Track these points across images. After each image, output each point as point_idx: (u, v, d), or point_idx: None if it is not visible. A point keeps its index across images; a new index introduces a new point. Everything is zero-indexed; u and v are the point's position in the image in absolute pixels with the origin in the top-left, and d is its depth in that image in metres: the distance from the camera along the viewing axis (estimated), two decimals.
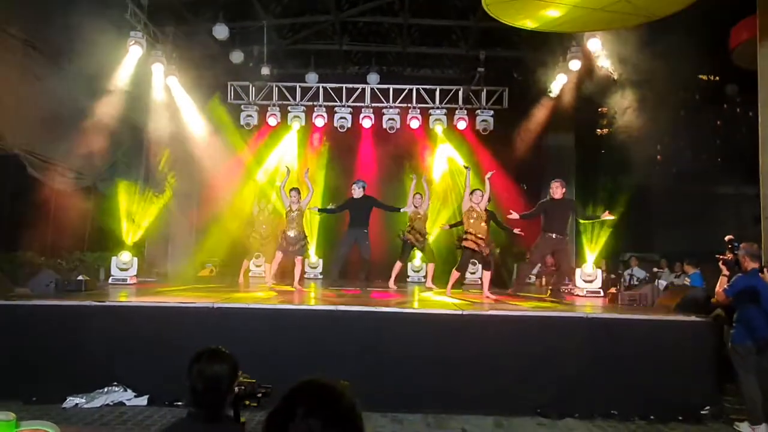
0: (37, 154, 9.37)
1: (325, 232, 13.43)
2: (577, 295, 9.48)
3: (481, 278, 9.85)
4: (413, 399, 5.97)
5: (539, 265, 12.33)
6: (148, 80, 10.77)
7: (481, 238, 8.06)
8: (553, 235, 8.43)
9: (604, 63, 10.05)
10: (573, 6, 6.47)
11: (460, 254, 8.52)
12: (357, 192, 9.43)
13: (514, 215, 8.70)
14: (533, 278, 11.73)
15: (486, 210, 8.49)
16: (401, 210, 9.90)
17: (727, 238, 5.77)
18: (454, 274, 8.60)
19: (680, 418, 5.92)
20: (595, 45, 9.96)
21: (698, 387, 6.09)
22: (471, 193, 8.23)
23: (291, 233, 9.02)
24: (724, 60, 9.81)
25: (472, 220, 8.16)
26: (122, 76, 9.96)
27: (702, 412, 5.98)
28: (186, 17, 10.94)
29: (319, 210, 10.48)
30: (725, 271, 5.68)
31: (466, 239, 8.13)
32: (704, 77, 13.62)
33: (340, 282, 9.98)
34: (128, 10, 9.69)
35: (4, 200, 9.00)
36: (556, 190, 8.57)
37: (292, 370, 5.36)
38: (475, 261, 10.78)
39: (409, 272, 12.37)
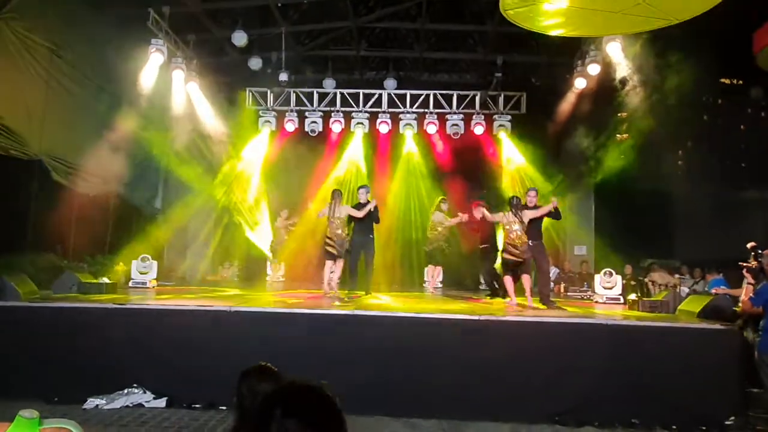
0: (61, 160, 9.53)
1: None
2: (597, 302, 9.38)
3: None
4: (428, 404, 5.92)
5: (558, 271, 12.22)
6: (169, 86, 10.92)
7: (515, 246, 7.89)
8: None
9: (624, 67, 9.94)
10: (592, 10, 6.41)
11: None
12: (363, 197, 8.94)
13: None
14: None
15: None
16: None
17: (749, 245, 5.65)
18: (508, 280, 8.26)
19: (703, 428, 5.77)
20: (615, 49, 9.86)
21: (722, 397, 5.93)
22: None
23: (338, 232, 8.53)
24: (747, 63, 9.63)
25: (512, 234, 7.94)
26: (144, 82, 10.09)
27: (726, 422, 5.82)
28: (206, 25, 11.07)
29: None
30: (750, 280, 5.55)
31: (505, 250, 8.01)
32: (727, 81, 13.39)
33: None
34: (149, 19, 9.85)
35: (28, 204, 9.16)
36: (532, 199, 8.29)
37: (306, 373, 5.35)
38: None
39: (426, 277, 12.27)
